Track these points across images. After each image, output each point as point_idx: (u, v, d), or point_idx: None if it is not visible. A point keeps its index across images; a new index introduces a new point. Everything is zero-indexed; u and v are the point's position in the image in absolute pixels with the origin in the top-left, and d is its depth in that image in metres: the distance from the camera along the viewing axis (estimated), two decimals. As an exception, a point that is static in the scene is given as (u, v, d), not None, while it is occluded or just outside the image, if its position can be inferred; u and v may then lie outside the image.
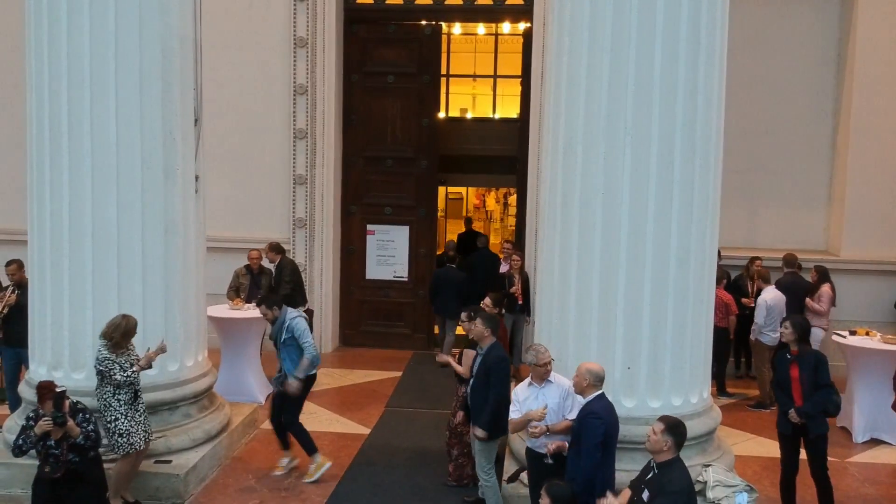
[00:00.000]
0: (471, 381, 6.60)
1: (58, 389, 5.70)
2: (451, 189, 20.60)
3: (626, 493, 5.01)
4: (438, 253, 12.16)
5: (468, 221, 14.90)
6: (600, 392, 5.44)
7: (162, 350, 6.55)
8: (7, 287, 8.21)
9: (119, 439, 6.29)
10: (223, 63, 10.45)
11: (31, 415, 5.87)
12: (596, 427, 5.22)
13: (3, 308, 8.05)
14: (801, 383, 6.36)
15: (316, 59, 10.83)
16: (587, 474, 5.18)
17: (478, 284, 10.49)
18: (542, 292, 6.97)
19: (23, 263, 7.99)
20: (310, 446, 7.25)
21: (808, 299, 9.59)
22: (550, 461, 5.55)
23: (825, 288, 9.62)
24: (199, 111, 7.43)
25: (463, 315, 7.11)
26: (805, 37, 10.73)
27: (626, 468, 5.71)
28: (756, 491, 6.36)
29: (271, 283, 9.85)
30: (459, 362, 7.00)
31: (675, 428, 4.82)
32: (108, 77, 6.72)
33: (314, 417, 8.81)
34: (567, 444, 5.56)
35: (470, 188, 20.60)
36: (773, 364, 6.73)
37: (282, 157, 11.03)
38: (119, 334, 6.28)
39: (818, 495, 6.54)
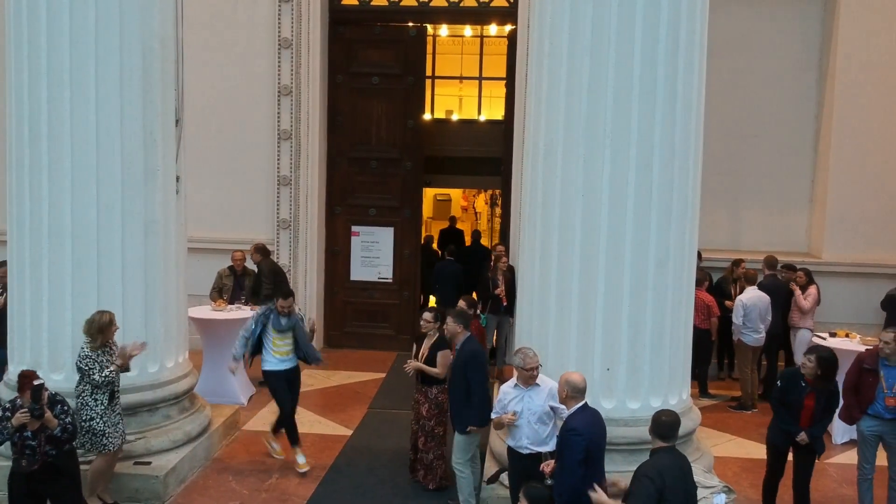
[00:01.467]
0: (449, 377, 6.61)
1: (36, 382, 5.66)
2: (439, 191, 20.58)
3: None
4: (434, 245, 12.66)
5: (452, 220, 15.15)
6: (582, 404, 5.36)
7: (136, 348, 6.47)
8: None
9: (93, 438, 6.28)
10: (207, 63, 10.44)
11: (7, 405, 5.81)
12: (576, 444, 5.18)
13: None
14: (813, 412, 6.37)
15: (301, 60, 10.82)
16: (571, 491, 5.16)
17: (473, 276, 11.06)
18: (522, 293, 6.99)
19: None
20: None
21: (797, 291, 9.62)
22: (550, 482, 5.48)
23: (812, 288, 9.69)
24: (181, 111, 7.41)
25: (427, 315, 7.12)
26: (788, 41, 10.78)
27: (606, 469, 5.71)
28: (734, 492, 6.39)
29: (254, 285, 9.84)
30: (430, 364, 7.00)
31: (652, 419, 4.98)
32: (88, 77, 6.70)
33: (297, 418, 8.78)
34: None
35: (457, 189, 20.57)
36: (781, 379, 6.67)
37: (266, 157, 11.01)
38: (94, 329, 6.25)
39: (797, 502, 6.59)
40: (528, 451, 5.73)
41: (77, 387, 6.33)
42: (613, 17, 6.14)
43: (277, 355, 7.45)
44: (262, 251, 9.91)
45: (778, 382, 6.70)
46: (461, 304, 7.83)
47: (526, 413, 5.73)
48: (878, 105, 10.47)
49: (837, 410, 6.77)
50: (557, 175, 6.40)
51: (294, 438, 7.52)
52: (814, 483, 7.02)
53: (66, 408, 5.86)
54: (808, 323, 9.59)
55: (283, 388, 7.49)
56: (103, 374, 6.20)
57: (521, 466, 5.75)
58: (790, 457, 6.63)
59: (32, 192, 6.81)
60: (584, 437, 5.19)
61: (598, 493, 5.00)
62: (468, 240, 14.96)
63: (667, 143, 6.25)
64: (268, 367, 7.49)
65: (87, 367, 6.22)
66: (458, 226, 15.48)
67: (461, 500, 6.60)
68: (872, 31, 10.42)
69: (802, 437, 6.36)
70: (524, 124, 7.38)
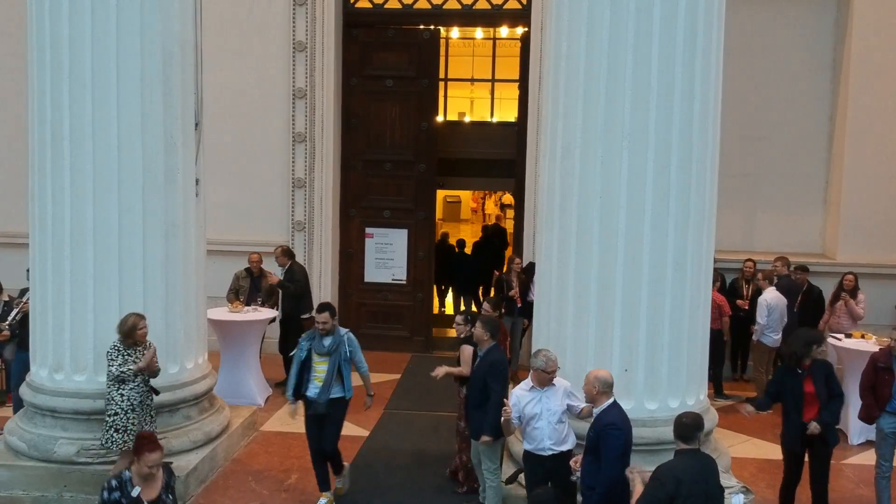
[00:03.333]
0: (470, 383, 6.63)
1: None
2: (448, 193, 20.67)
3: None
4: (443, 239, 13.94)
5: (498, 218, 15.85)
6: (612, 400, 5.43)
7: (149, 356, 6.42)
8: (26, 292, 8.25)
9: (115, 434, 6.34)
10: (223, 67, 10.49)
11: (115, 484, 5.02)
12: (616, 439, 5.23)
13: (17, 314, 8.11)
14: (816, 396, 6.37)
15: (315, 64, 10.89)
16: (607, 485, 5.20)
17: (486, 265, 13.10)
18: (540, 295, 7.02)
19: None
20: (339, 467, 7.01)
21: (850, 301, 9.60)
22: (575, 478, 5.55)
23: (861, 294, 9.67)
24: (200, 115, 7.47)
25: (459, 318, 7.17)
26: (802, 42, 10.79)
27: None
28: (752, 492, 6.40)
29: (273, 288, 9.88)
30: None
31: (674, 421, 5.04)
32: (109, 81, 6.77)
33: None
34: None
35: (466, 192, 20.67)
36: (775, 376, 6.67)
37: (281, 160, 11.07)
38: (122, 330, 6.38)
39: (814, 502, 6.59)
40: (550, 453, 5.75)
41: (107, 382, 6.45)
42: (631, 19, 6.18)
43: (317, 381, 6.65)
44: (288, 254, 9.88)
45: (771, 377, 6.73)
46: (486, 306, 7.89)
47: (546, 414, 5.74)
48: (893, 106, 10.47)
49: (846, 412, 6.80)
50: (575, 177, 6.44)
51: (336, 467, 6.94)
52: (831, 483, 7.03)
53: (171, 472, 5.37)
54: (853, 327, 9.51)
55: (309, 423, 6.75)
56: (118, 368, 6.29)
57: (543, 469, 5.76)
58: (805, 461, 6.62)
59: (54, 194, 6.88)
60: (622, 431, 5.26)
61: (634, 475, 5.08)
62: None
63: (685, 144, 6.28)
64: (307, 392, 6.71)
65: (109, 359, 6.35)
66: (468, 226, 15.89)
67: None
68: (886, 31, 10.42)
69: (814, 427, 6.32)
70: (538, 126, 7.41)
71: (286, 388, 6.87)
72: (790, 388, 6.45)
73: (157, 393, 6.63)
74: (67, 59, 6.75)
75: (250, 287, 9.88)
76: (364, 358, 6.85)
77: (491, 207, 21.63)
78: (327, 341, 6.63)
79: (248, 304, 9.63)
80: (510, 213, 17.93)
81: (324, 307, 6.79)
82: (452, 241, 14.59)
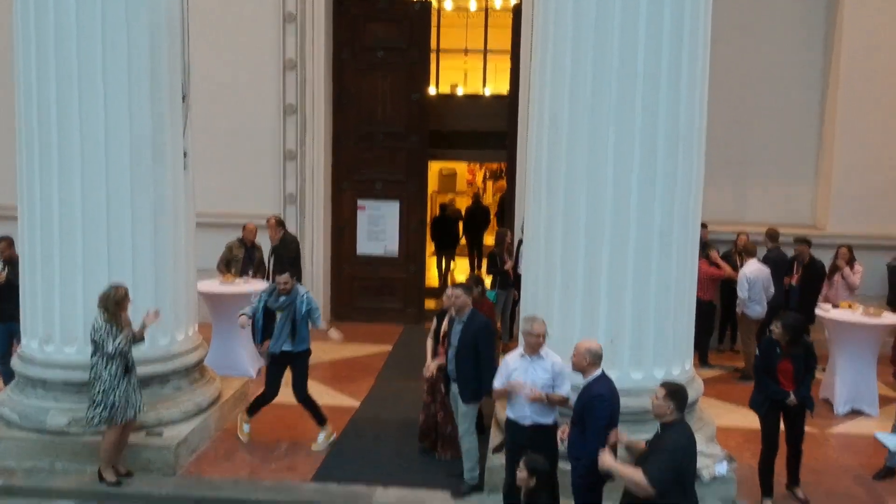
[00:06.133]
0: (455, 349, 6.65)
1: None
2: (444, 165, 20.57)
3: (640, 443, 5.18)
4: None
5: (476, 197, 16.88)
6: (601, 371, 5.48)
7: (151, 318, 6.54)
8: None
9: (103, 412, 6.37)
10: (212, 39, 10.41)
11: None
12: (602, 410, 5.29)
13: None
14: (793, 374, 6.43)
15: (305, 35, 10.82)
16: (592, 456, 5.24)
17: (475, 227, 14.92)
18: (528, 265, 7.06)
19: (13, 241, 8.03)
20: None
21: (846, 269, 9.63)
22: (563, 448, 5.63)
23: (858, 265, 9.70)
24: (187, 88, 7.45)
25: (457, 291, 7.09)
26: (795, 14, 10.74)
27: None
28: (735, 460, 6.50)
29: (264, 258, 9.90)
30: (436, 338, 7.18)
31: (675, 393, 5.00)
32: (95, 55, 6.75)
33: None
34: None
35: (462, 164, 20.55)
36: (760, 348, 6.73)
37: (272, 132, 11.04)
38: (111, 303, 6.34)
39: (792, 461, 6.68)
40: (530, 422, 5.81)
41: (91, 358, 6.44)
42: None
43: (276, 332, 7.31)
44: (282, 224, 9.94)
45: (757, 352, 6.80)
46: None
47: (529, 384, 5.80)
48: (884, 78, 10.44)
49: (831, 382, 6.87)
50: (563, 148, 6.45)
51: (318, 418, 7.48)
52: (815, 452, 7.16)
53: None
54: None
55: (270, 369, 7.41)
56: (115, 344, 6.30)
57: (524, 437, 5.82)
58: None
59: (43, 170, 6.88)
60: (609, 402, 5.31)
61: (608, 456, 5.08)
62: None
63: (671, 116, 6.31)
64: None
65: (100, 339, 6.32)
66: (463, 199, 16.79)
67: (466, 469, 6.69)
68: (878, 5, 10.36)
69: (792, 399, 6.40)
70: (529, 97, 7.40)
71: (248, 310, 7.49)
72: (770, 363, 6.49)
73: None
74: (53, 36, 6.72)
75: (244, 258, 9.86)
76: (320, 315, 7.47)
77: (481, 181, 21.63)
78: (281, 298, 7.24)
79: (240, 275, 9.63)
80: (501, 183, 17.98)
81: (284, 270, 7.41)
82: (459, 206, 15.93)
